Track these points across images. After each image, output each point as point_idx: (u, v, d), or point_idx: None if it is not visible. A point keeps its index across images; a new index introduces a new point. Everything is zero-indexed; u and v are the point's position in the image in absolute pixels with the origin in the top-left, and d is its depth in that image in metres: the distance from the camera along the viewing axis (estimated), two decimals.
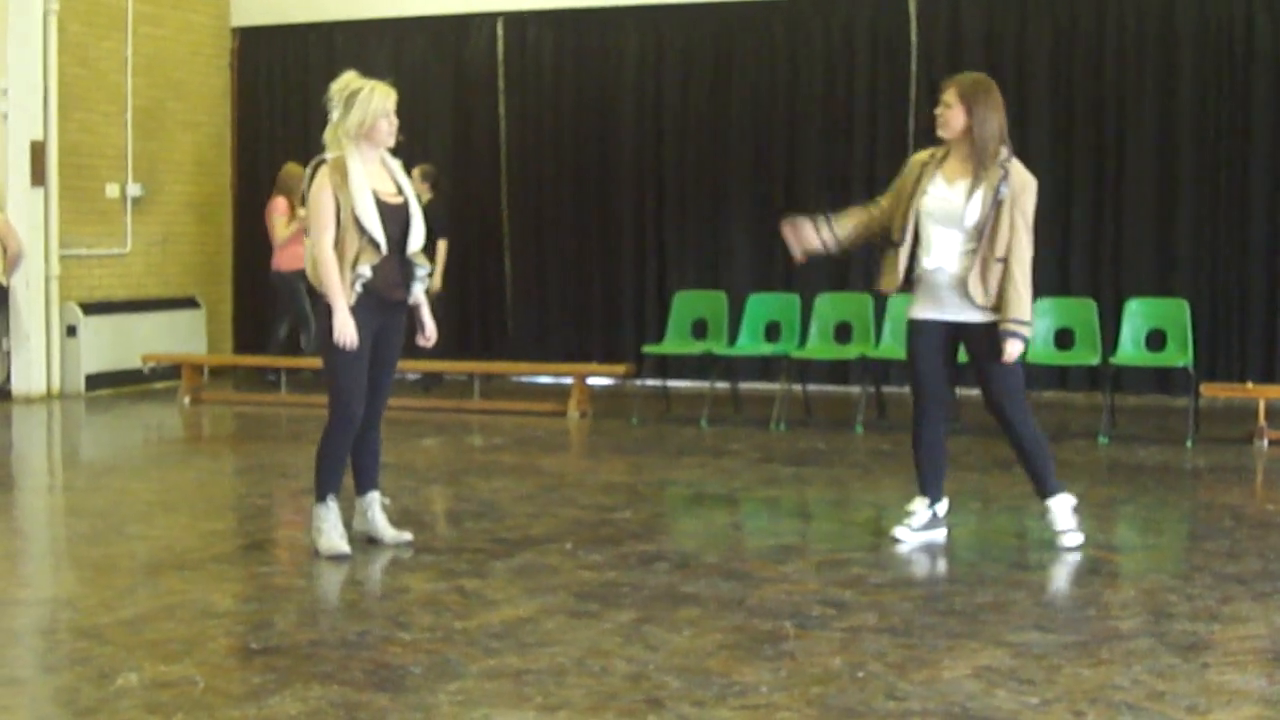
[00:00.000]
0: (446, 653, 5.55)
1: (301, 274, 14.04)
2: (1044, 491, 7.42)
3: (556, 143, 15.69)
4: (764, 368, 13.92)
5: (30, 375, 14.14)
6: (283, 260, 14.39)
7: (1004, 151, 7.26)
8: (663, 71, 15.27)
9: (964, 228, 7.23)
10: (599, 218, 15.48)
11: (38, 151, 14.01)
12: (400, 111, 16.03)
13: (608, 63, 15.45)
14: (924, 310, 7.46)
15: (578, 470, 10.25)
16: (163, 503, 9.09)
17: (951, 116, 7.33)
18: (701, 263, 15.01)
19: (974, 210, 7.19)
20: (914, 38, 14.35)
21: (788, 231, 7.75)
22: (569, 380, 13.31)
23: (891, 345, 12.44)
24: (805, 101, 14.74)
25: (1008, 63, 13.95)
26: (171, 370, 14.79)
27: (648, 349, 13.32)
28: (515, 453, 10.93)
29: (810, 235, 7.65)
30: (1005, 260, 7.18)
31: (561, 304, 15.61)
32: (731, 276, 14.52)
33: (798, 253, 7.79)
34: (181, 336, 15.56)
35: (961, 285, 7.24)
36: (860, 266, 14.34)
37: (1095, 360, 11.86)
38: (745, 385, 13.47)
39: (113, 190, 15.07)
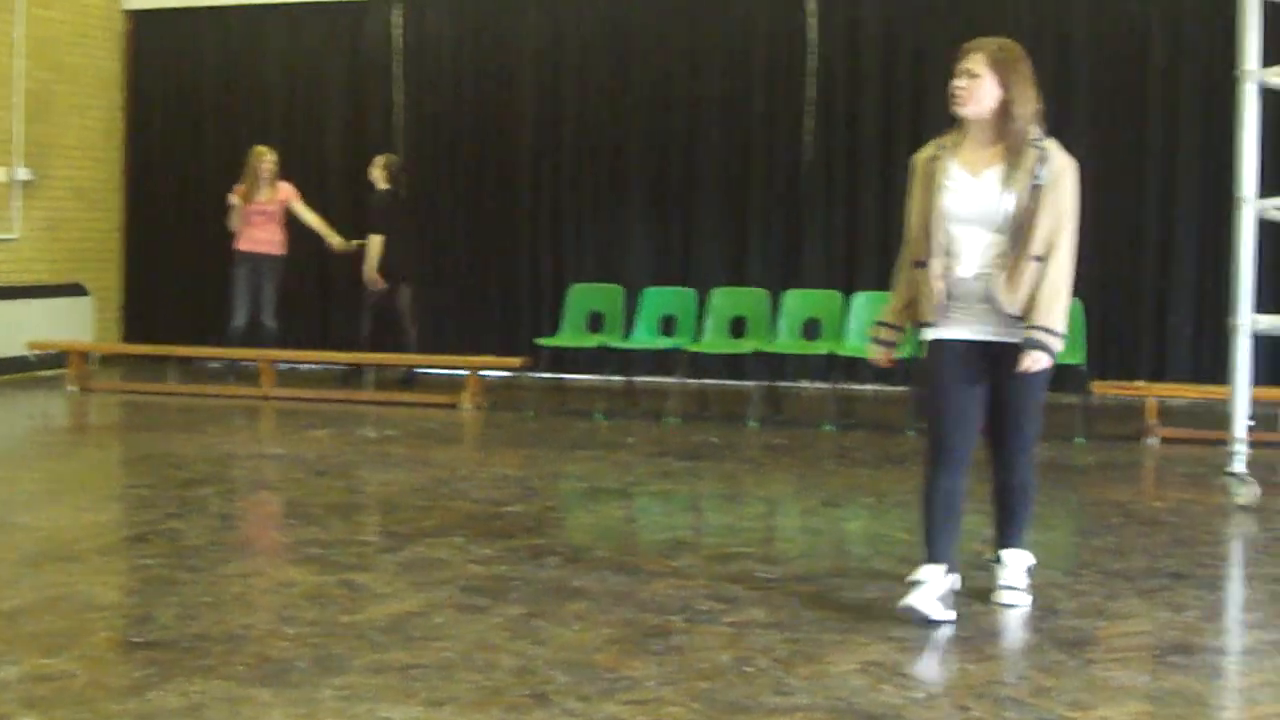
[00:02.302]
0: (332, 647, 5.48)
1: (256, 255, 14.12)
2: (1008, 543, 6.31)
3: (453, 132, 15.62)
4: (659, 361, 13.89)
5: None
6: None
7: (1036, 130, 6.07)
8: (561, 61, 15.24)
9: (1000, 225, 5.94)
10: (495, 209, 15.43)
11: None
12: (294, 97, 16.05)
13: (506, 52, 15.40)
14: (952, 328, 6.06)
15: (470, 463, 10.18)
16: (48, 493, 8.93)
17: (981, 90, 6.02)
18: (598, 255, 15.00)
19: (1010, 201, 5.93)
20: (812, 30, 14.38)
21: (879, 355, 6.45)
22: (463, 372, 13.23)
23: (786, 340, 12.50)
24: (703, 94, 14.75)
25: (904, 60, 14.04)
26: (58, 358, 14.56)
27: (543, 342, 13.27)
28: (407, 445, 10.85)
29: (888, 346, 6.39)
30: (1043, 259, 5.90)
31: (457, 295, 15.53)
32: (628, 270, 14.51)
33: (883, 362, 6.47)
34: (69, 324, 15.31)
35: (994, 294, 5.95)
36: (757, 261, 14.41)
37: None
38: (640, 379, 13.46)
39: (0, 175, 14.82)
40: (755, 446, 10.96)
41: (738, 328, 12.87)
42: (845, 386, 12.69)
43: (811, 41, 14.40)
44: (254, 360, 14.09)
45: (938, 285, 5.98)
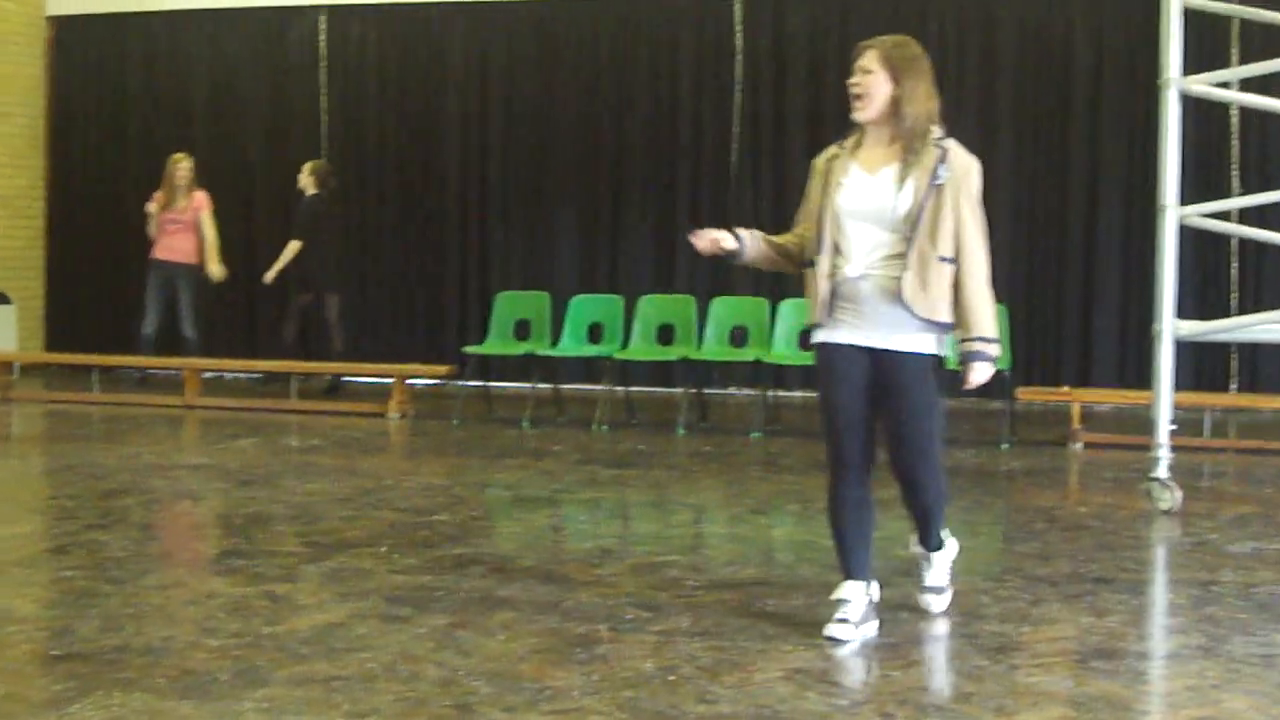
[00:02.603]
0: (254, 659, 5.42)
1: (170, 264, 14.05)
2: (931, 545, 6.14)
3: (379, 139, 15.56)
4: (586, 369, 13.91)
5: None
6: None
7: (937, 130, 5.84)
8: (488, 68, 15.21)
9: (895, 223, 5.68)
10: (422, 216, 15.39)
11: None
12: (219, 104, 15.93)
13: (432, 59, 15.36)
14: (840, 332, 5.79)
15: (396, 472, 10.12)
16: None
17: (873, 86, 5.83)
18: (525, 263, 14.99)
19: (906, 199, 5.68)
20: (739, 40, 14.42)
21: (694, 237, 6.25)
22: (390, 380, 13.16)
23: (714, 347, 12.51)
24: (630, 101, 14.77)
25: (831, 66, 14.06)
26: None
27: (470, 350, 13.21)
28: (333, 454, 10.78)
29: (719, 232, 6.17)
30: (956, 262, 5.68)
31: (383, 303, 15.47)
32: (555, 277, 14.50)
33: (702, 244, 6.23)
34: None
35: (894, 294, 5.65)
36: (684, 268, 14.42)
37: None
38: (568, 387, 13.44)
39: None
40: (683, 454, 10.95)
41: (665, 335, 12.86)
42: (773, 393, 12.69)
43: (738, 49, 14.43)
44: (178, 369, 13.98)
45: (823, 285, 5.77)
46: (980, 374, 5.72)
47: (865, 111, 5.82)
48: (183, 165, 14.15)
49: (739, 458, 10.71)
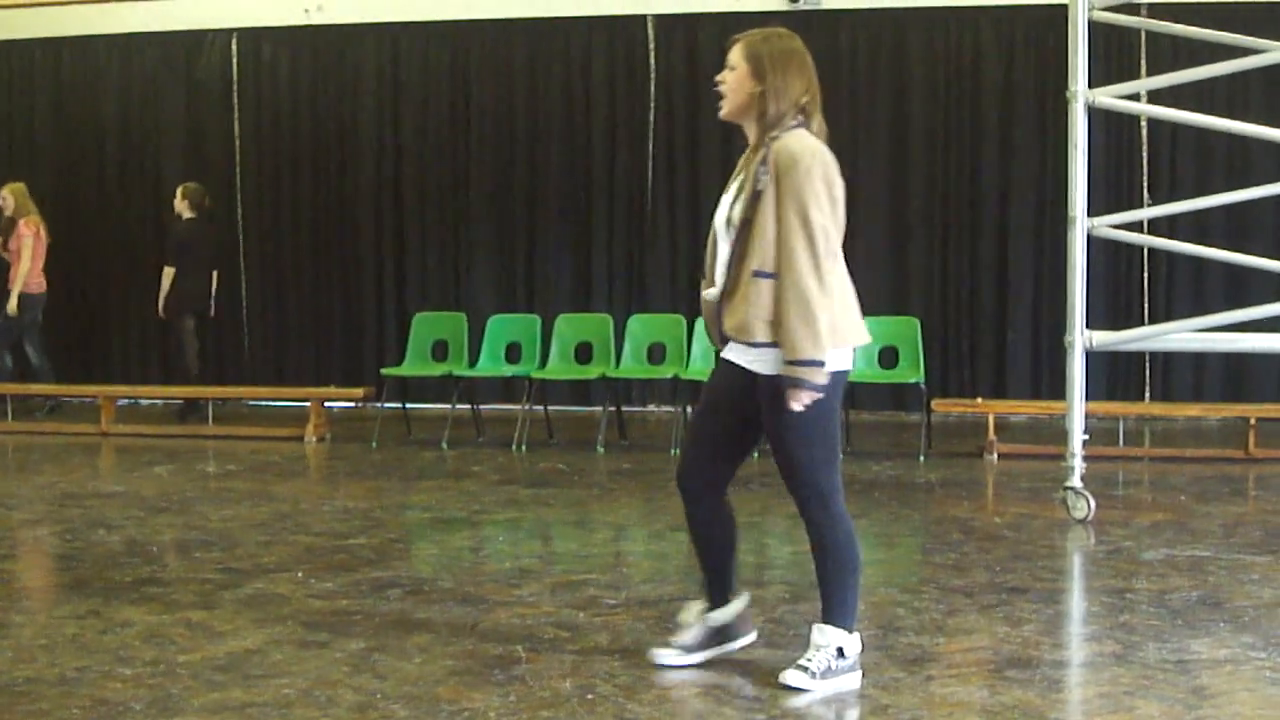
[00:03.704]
0: (169, 687, 5.37)
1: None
2: (826, 614, 5.40)
3: (294, 162, 15.48)
4: (505, 389, 13.88)
5: None
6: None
7: (791, 122, 5.28)
8: (401, 89, 15.17)
9: (731, 237, 5.29)
10: (338, 238, 15.32)
11: None
12: (130, 129, 15.78)
13: (345, 81, 15.30)
14: (727, 349, 5.41)
15: (313, 496, 10.07)
16: None
17: (734, 83, 5.37)
18: (442, 284, 14.95)
19: (737, 209, 5.27)
20: (652, 60, 14.45)
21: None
22: (306, 404, 13.09)
23: (632, 365, 12.52)
24: (545, 122, 14.78)
25: None
26: None
27: (387, 371, 13.16)
28: (249, 479, 10.70)
29: None
30: (771, 274, 5.14)
31: (299, 326, 15.39)
32: (472, 297, 14.48)
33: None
34: None
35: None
36: (602, 287, 14.45)
37: None
38: (487, 407, 13.40)
39: None
40: (602, 472, 10.96)
41: (583, 354, 12.86)
42: (691, 410, 12.69)
43: (652, 70, 14.46)
44: (93, 396, 13.87)
45: (703, 307, 5.47)
46: (795, 401, 5.11)
47: (724, 110, 5.46)
48: (6, 198, 14.17)
49: (658, 475, 10.71)
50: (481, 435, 12.71)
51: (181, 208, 13.99)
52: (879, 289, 13.78)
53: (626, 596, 6.85)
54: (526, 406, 12.32)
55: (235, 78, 15.53)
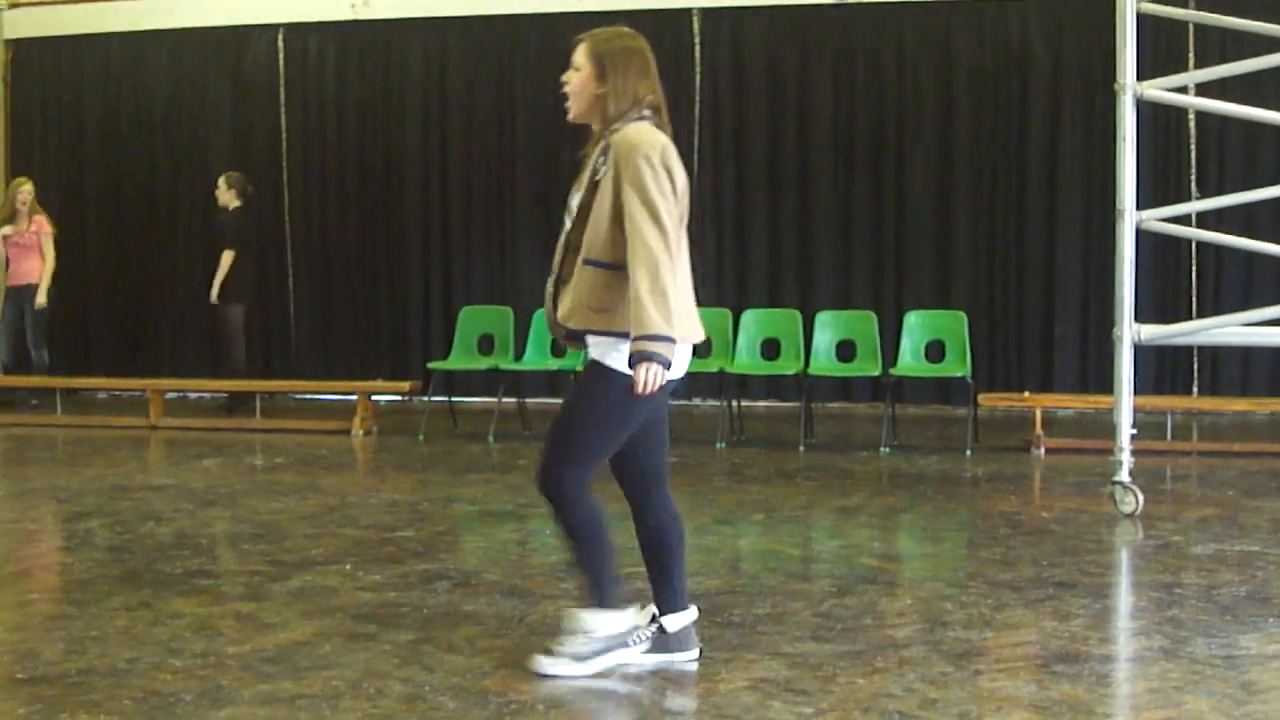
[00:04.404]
0: (219, 679, 5.41)
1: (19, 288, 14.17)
2: (592, 599, 5.47)
3: (340, 156, 15.53)
4: (551, 383, 13.90)
5: None
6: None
7: (634, 115, 5.30)
8: (446, 84, 15.19)
9: (567, 232, 5.34)
10: (384, 232, 15.37)
11: None
12: (178, 124, 15.89)
13: (391, 76, 15.34)
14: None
15: (360, 489, 10.11)
16: None
17: (578, 85, 5.43)
18: (488, 277, 14.97)
19: (573, 202, 5.33)
20: (698, 53, 14.44)
21: None
22: (353, 397, 13.14)
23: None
24: None
25: (790, 81, 14.15)
26: None
27: (434, 365, 13.20)
28: (297, 472, 10.75)
29: None
30: (603, 264, 5.18)
31: (347, 320, 15.45)
32: (518, 291, 14.49)
33: None
34: None
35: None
36: None
37: (876, 371, 12.05)
38: (532, 400, 13.42)
39: None
40: None
41: None
42: (737, 403, 12.69)
43: (697, 61, 14.45)
44: (142, 390, 13.97)
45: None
46: (648, 374, 5.02)
47: (571, 110, 5.45)
48: (24, 189, 14.30)
49: (704, 468, 10.72)
50: (527, 429, 12.73)
51: (228, 197, 14.05)
52: (925, 283, 13.77)
53: None
54: None
55: (282, 72, 15.60)
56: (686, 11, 14.47)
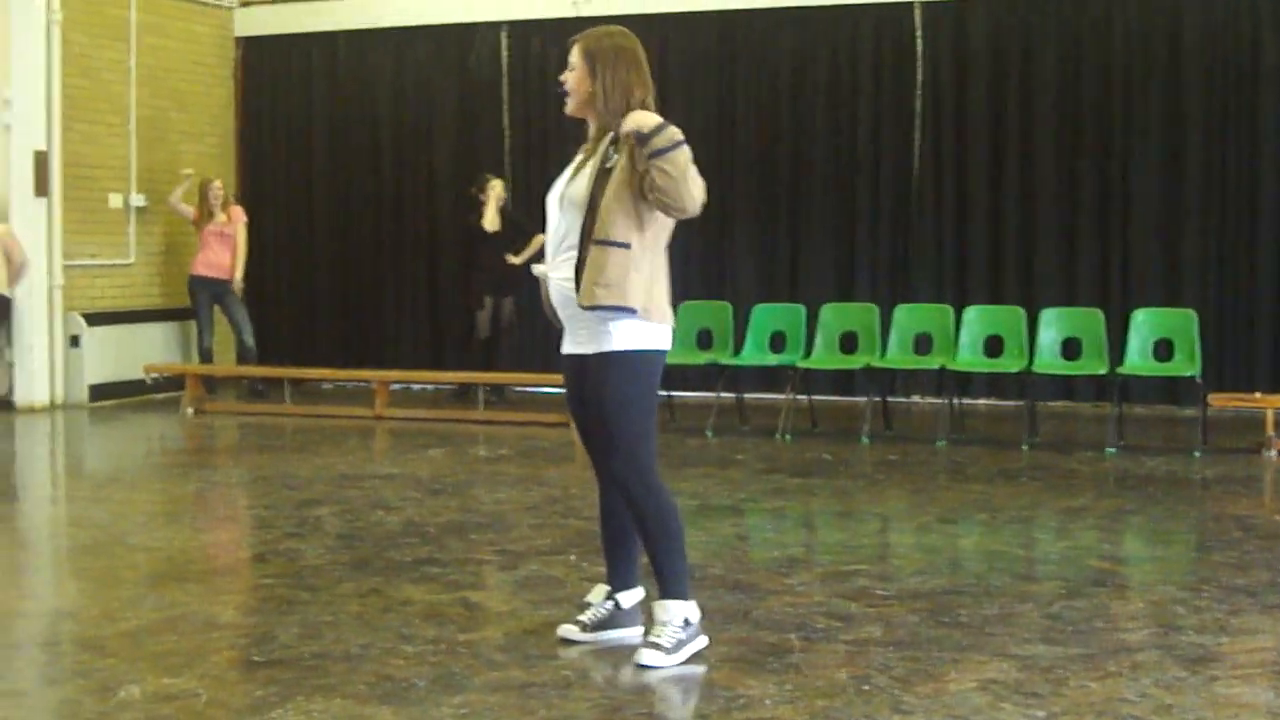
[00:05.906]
0: (451, 665, 5.51)
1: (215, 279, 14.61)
2: (662, 589, 5.62)
3: (562, 155, 15.61)
4: (769, 378, 13.86)
5: (33, 386, 14.14)
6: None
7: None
8: (668, 79, 15.14)
9: (569, 217, 5.60)
10: None
11: (41, 162, 14.02)
12: (403, 121, 16.16)
13: None
14: (565, 340, 5.81)
15: (581, 482, 10.18)
16: (165, 514, 9.06)
17: (574, 82, 5.71)
18: (707, 273, 14.98)
19: (577, 188, 5.61)
20: (919, 49, 14.32)
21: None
22: None
23: (897, 355, 12.42)
24: (809, 110, 14.69)
25: (1014, 72, 13.95)
26: (174, 381, 14.76)
27: None
28: (519, 464, 10.89)
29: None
30: (614, 243, 5.45)
31: None
32: (736, 287, 14.50)
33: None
34: (184, 347, 15.58)
35: (567, 291, 5.60)
36: (866, 276, 14.36)
37: (1102, 370, 11.83)
38: (751, 395, 13.43)
39: (116, 200, 15.04)
40: (868, 462, 10.91)
41: (848, 343, 12.80)
42: (958, 401, 12.55)
43: (919, 54, 14.33)
44: (368, 380, 14.26)
45: (543, 293, 5.76)
46: (640, 120, 5.46)
47: (568, 106, 5.76)
48: (215, 185, 15.01)
49: (925, 466, 10.64)
50: (746, 424, 12.75)
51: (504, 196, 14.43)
52: (1152, 279, 13.48)
53: (898, 589, 6.81)
54: (790, 396, 12.31)
55: (505, 70, 15.78)
56: (908, 4, 14.36)
